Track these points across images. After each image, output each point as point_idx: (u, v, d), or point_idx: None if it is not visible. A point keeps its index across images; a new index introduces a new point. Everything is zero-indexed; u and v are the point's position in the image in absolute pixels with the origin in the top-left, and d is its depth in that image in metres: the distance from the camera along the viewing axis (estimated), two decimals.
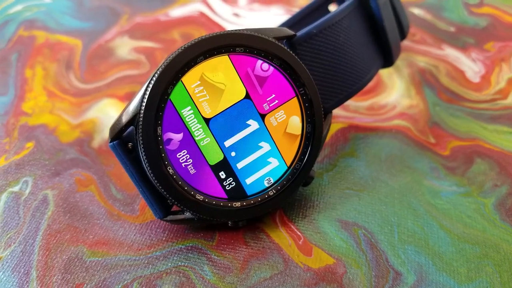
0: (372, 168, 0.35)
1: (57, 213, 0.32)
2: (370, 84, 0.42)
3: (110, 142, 0.28)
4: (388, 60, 0.38)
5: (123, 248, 0.30)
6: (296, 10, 0.49)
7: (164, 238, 0.31)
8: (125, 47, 0.45)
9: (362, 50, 0.35)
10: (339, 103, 0.33)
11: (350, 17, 0.34)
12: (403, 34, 0.40)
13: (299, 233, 0.31)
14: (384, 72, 0.43)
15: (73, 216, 0.32)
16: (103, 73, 0.43)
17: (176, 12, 0.50)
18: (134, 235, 0.31)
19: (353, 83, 0.34)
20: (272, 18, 0.49)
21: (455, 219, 0.31)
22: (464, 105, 0.40)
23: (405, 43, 0.46)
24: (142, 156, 0.28)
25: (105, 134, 0.37)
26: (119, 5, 0.50)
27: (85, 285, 0.28)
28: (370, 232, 0.31)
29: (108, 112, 0.39)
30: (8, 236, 0.31)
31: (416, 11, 0.50)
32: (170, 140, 0.28)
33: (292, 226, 0.31)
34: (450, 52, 0.45)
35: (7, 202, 0.33)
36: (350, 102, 0.40)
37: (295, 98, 0.30)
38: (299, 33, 0.31)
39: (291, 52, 0.29)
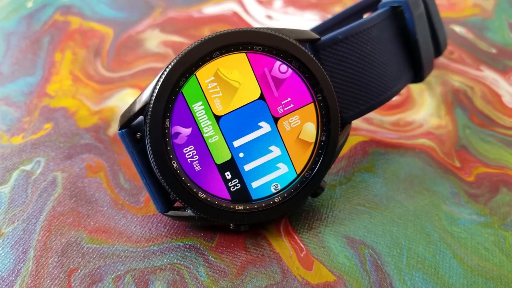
0: (389, 187, 0.33)
1: (63, 196, 0.32)
2: (398, 99, 0.40)
3: (119, 130, 0.28)
4: (418, 75, 0.36)
5: (122, 238, 0.30)
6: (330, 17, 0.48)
7: (164, 233, 0.30)
8: (154, 39, 0.45)
9: (390, 62, 0.33)
10: (359, 114, 0.32)
11: (381, 26, 0.33)
12: (439, 51, 0.38)
13: (302, 245, 0.30)
14: (415, 88, 0.41)
15: (78, 201, 0.32)
16: (129, 63, 0.43)
17: (210, 9, 0.50)
18: (135, 226, 0.31)
19: (377, 95, 0.32)
20: (305, 23, 0.48)
21: (470, 250, 0.29)
22: (497, 131, 0.37)
23: (441, 60, 0.44)
24: (148, 147, 0.27)
25: None
26: None
27: (79, 270, 0.28)
28: (377, 252, 0.29)
29: (128, 102, 0.39)
30: (13, 213, 0.31)
31: (458, 29, 0.48)
32: (178, 134, 0.28)
33: (296, 237, 0.30)
34: (489, 74, 0.43)
35: (17, 180, 0.33)
36: (374, 116, 0.39)
37: (312, 104, 0.29)
38: (323, 38, 0.30)
39: (312, 55, 0.28)
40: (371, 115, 0.39)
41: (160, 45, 0.45)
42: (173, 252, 0.29)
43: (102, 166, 0.34)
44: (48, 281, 0.28)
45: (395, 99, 0.40)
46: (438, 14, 0.38)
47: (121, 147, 0.35)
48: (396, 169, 0.34)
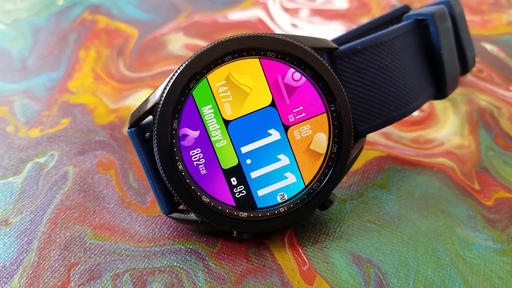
0: (402, 205, 0.32)
1: (73, 190, 0.32)
2: (420, 115, 0.39)
3: (128, 128, 0.28)
4: (441, 92, 0.35)
5: (125, 237, 0.30)
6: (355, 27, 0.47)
7: (166, 235, 0.30)
8: (178, 42, 0.46)
9: (411, 76, 0.32)
10: (375, 128, 0.31)
11: (404, 39, 0.32)
12: (466, 68, 0.37)
13: (305, 258, 0.29)
14: (438, 105, 0.40)
15: (87, 196, 0.32)
16: (150, 64, 0.43)
17: (235, 15, 0.50)
18: (139, 226, 0.31)
19: (395, 109, 0.31)
20: (330, 33, 0.47)
21: (483, 277, 0.28)
22: None
23: (469, 78, 0.42)
24: (155, 147, 0.27)
25: None
26: (182, 2, 0.51)
27: (79, 265, 0.28)
28: (383, 272, 0.28)
29: None
30: (22, 203, 0.32)
31: (489, 47, 0.46)
32: (185, 136, 0.28)
33: (300, 250, 0.29)
34: None
35: (30, 171, 0.34)
36: (393, 131, 0.38)
37: (325, 114, 0.28)
38: (342, 47, 0.30)
39: (327, 64, 0.28)
40: (390, 130, 0.38)
41: (182, 47, 0.45)
42: (174, 255, 0.29)
43: (113, 164, 0.34)
44: (48, 273, 0.28)
45: (417, 115, 0.39)
46: (467, 30, 0.37)
47: None
48: (411, 187, 0.33)
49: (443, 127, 0.38)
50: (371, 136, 0.37)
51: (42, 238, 0.30)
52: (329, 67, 0.28)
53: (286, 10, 0.51)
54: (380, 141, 0.37)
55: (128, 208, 0.32)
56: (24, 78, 0.41)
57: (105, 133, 0.37)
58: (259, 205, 0.29)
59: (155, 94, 0.28)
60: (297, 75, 0.28)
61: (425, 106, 0.39)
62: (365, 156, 0.35)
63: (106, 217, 0.31)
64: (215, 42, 0.27)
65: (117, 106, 0.39)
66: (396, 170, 0.35)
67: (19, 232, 0.30)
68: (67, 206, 0.31)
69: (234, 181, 0.28)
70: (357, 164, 0.35)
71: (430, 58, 0.34)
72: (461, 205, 0.32)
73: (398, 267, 0.28)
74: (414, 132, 0.38)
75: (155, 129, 0.27)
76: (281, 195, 0.29)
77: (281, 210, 0.29)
